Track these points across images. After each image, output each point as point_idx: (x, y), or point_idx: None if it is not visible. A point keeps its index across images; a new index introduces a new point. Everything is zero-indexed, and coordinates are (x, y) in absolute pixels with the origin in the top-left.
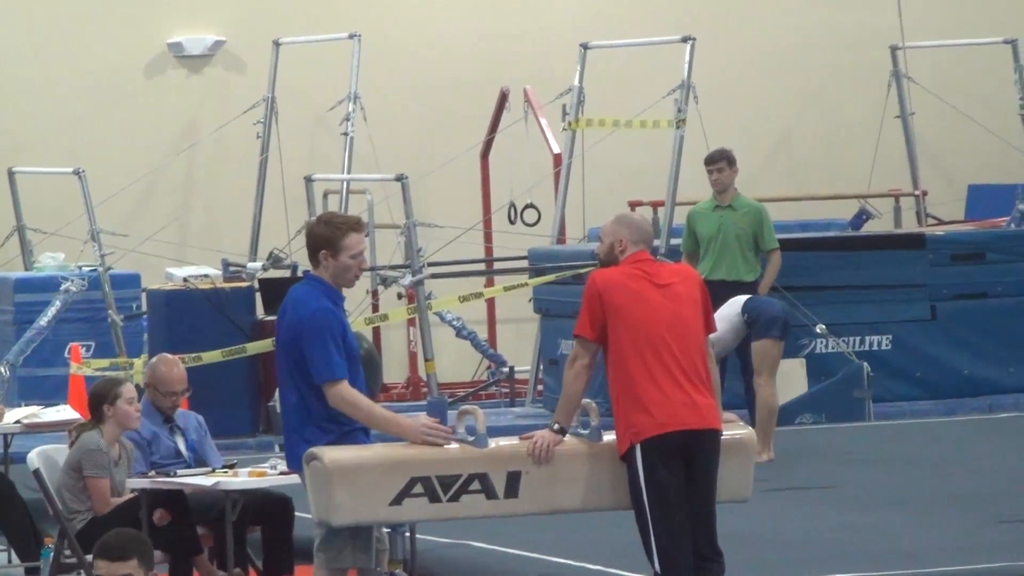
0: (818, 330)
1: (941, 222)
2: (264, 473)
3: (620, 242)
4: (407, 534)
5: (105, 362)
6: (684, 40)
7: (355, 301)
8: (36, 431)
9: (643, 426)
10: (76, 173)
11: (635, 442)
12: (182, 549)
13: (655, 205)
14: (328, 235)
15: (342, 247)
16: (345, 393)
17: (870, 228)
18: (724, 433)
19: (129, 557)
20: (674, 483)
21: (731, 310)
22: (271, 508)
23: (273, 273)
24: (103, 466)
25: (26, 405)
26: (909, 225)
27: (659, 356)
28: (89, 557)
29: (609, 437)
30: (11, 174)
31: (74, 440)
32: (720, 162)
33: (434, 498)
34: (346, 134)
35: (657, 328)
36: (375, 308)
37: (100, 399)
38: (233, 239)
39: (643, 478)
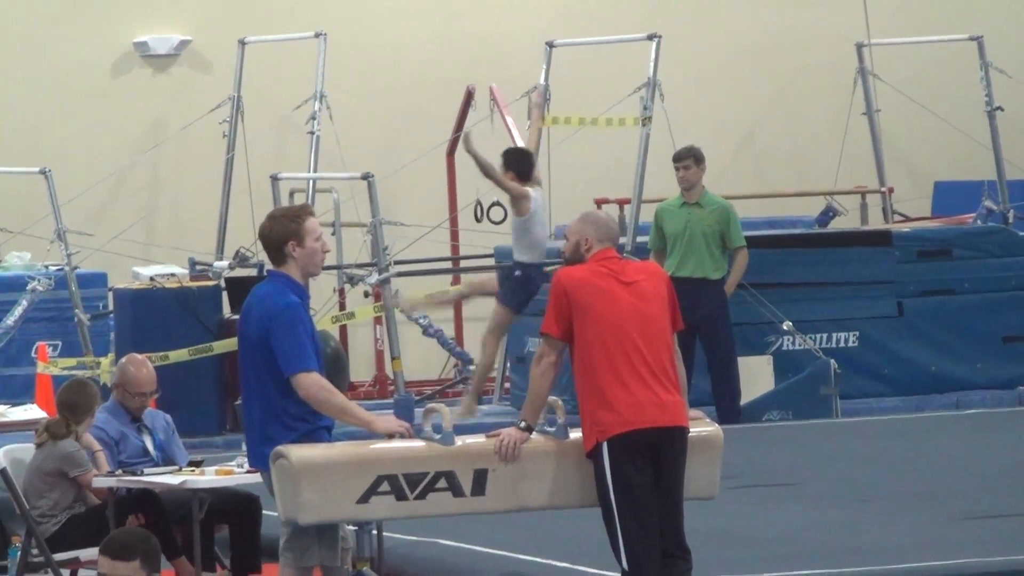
0: (785, 327)
1: (908, 219)
2: (231, 471)
3: (586, 240)
4: (374, 532)
5: (72, 361)
6: (650, 38)
7: (321, 299)
8: (3, 430)
9: (609, 424)
10: (42, 172)
11: (601, 440)
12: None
13: (621, 203)
14: (291, 227)
15: (305, 233)
16: (319, 381)
17: (836, 225)
18: (691, 430)
19: (131, 558)
20: (641, 480)
21: None
22: (238, 506)
23: (240, 272)
24: (85, 461)
25: None
26: (876, 222)
27: (625, 354)
28: (57, 556)
29: (576, 435)
30: None
31: (43, 441)
32: (687, 159)
33: (401, 496)
34: (312, 133)
35: (623, 326)
36: (341, 306)
37: (85, 409)
38: (199, 238)
39: (610, 475)
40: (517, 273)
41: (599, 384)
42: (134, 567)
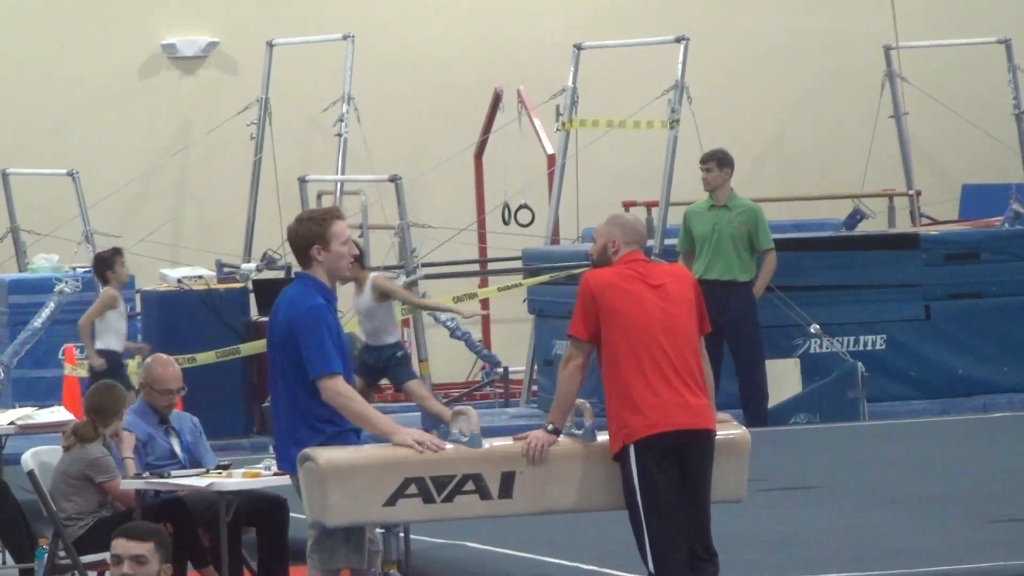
0: (812, 330)
1: (935, 222)
2: (258, 474)
3: (613, 243)
4: (401, 534)
5: None
6: (678, 41)
7: (349, 302)
8: (30, 432)
9: (635, 426)
10: (70, 174)
11: (628, 442)
12: (187, 560)
13: (649, 205)
14: (316, 230)
15: (331, 237)
16: (340, 387)
17: (864, 228)
18: (718, 433)
19: (147, 539)
20: (667, 483)
21: None
22: (266, 509)
23: (267, 274)
24: (112, 468)
25: (20, 406)
26: (903, 225)
27: (652, 356)
28: (84, 559)
29: (603, 437)
30: (5, 175)
31: (71, 444)
32: (710, 162)
33: (428, 499)
34: (340, 135)
35: (650, 328)
36: None
37: (113, 411)
38: (227, 240)
39: (636, 478)
40: (400, 353)
41: (626, 387)
42: (148, 547)
